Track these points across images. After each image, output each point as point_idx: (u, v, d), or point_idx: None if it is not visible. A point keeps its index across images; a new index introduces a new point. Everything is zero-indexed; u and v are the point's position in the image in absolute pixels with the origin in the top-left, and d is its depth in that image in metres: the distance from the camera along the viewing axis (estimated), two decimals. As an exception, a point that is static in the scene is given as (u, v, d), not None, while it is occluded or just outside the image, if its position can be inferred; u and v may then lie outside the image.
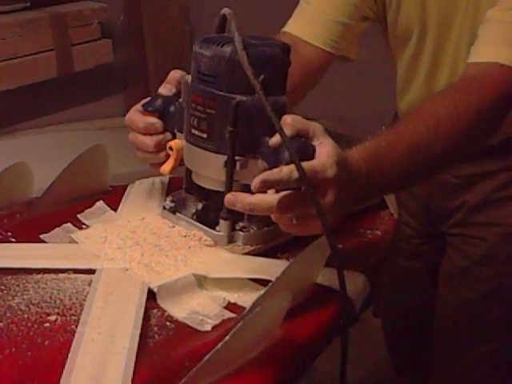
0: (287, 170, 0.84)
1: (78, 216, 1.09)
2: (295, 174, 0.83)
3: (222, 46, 0.93)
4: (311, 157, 0.86)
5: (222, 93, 0.93)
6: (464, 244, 1.44)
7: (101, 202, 1.13)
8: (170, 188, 1.17)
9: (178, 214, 1.05)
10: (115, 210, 1.11)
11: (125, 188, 1.19)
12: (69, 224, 1.06)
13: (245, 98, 0.92)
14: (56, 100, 2.40)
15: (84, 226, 1.06)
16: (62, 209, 1.11)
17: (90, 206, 1.12)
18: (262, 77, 0.89)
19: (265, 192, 0.86)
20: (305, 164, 0.83)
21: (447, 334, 1.53)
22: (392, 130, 1.00)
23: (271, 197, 0.85)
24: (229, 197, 0.87)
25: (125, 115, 1.07)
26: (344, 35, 1.31)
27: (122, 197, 1.15)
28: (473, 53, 1.11)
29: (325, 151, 0.86)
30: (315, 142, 0.88)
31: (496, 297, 1.43)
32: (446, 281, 1.50)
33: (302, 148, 0.86)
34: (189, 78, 1.00)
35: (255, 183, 0.84)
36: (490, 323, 1.45)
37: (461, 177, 1.38)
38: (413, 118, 1.03)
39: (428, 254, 1.57)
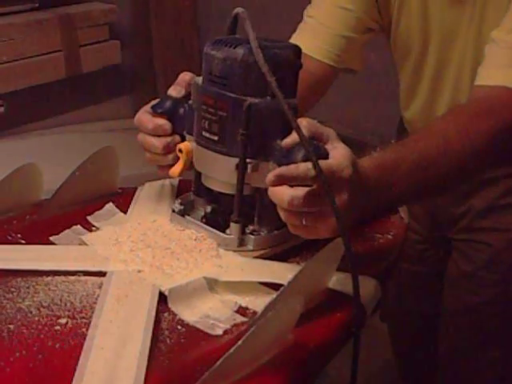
0: (304, 167, 0.83)
1: (88, 218, 1.08)
2: (312, 172, 0.82)
3: (234, 48, 0.92)
4: (325, 159, 0.86)
5: (234, 95, 0.93)
6: (469, 249, 1.44)
7: (110, 204, 1.13)
8: (180, 190, 1.16)
9: (186, 216, 1.04)
10: (125, 212, 1.11)
11: (134, 190, 1.18)
12: (78, 226, 1.06)
13: (257, 101, 0.92)
14: (63, 101, 2.40)
15: (94, 228, 1.06)
16: (71, 211, 1.11)
17: (100, 208, 1.11)
18: (274, 78, 0.88)
19: None
20: (322, 162, 0.83)
21: (452, 340, 1.53)
22: (401, 145, 1.00)
23: (287, 189, 0.84)
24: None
25: (132, 117, 1.07)
26: (347, 48, 1.32)
27: (132, 199, 1.15)
28: (481, 75, 1.11)
29: (340, 153, 0.87)
30: (329, 146, 0.88)
31: (501, 302, 1.43)
32: (450, 286, 1.50)
33: (316, 150, 0.85)
34: (199, 79, 0.99)
35: (270, 177, 0.84)
36: (495, 329, 1.45)
37: (467, 182, 1.38)
38: (423, 135, 1.03)
39: (433, 259, 1.57)
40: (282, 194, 0.85)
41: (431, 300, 1.58)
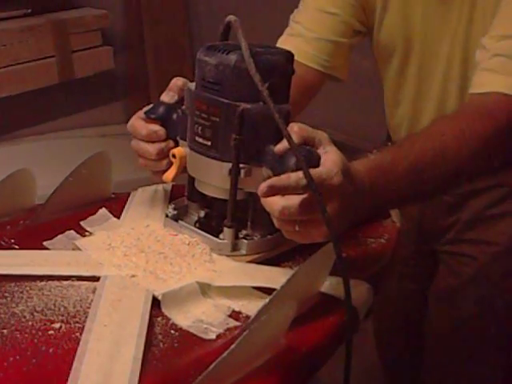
0: (295, 177, 0.84)
1: (81, 223, 1.09)
2: (303, 181, 0.83)
3: (227, 54, 0.93)
4: (316, 165, 0.86)
5: (226, 100, 0.93)
6: (455, 263, 1.44)
7: (104, 209, 1.13)
8: (173, 195, 1.16)
9: (180, 221, 1.05)
10: (118, 217, 1.11)
11: (127, 195, 1.19)
12: (72, 231, 1.06)
13: (250, 106, 0.92)
14: (56, 106, 2.40)
15: (87, 233, 1.06)
16: (64, 216, 1.11)
17: (93, 214, 1.11)
18: (266, 84, 0.89)
19: None
20: (312, 171, 0.83)
21: (438, 355, 1.52)
22: (398, 147, 1.01)
23: (278, 199, 0.85)
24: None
25: (125, 122, 1.07)
26: (335, 53, 1.32)
27: (125, 204, 1.15)
28: (476, 82, 1.11)
29: (330, 159, 0.87)
30: (321, 151, 0.88)
31: (488, 317, 1.42)
32: (436, 301, 1.49)
33: (308, 156, 0.86)
34: (192, 85, 1.00)
35: (262, 188, 0.85)
36: (481, 343, 1.44)
37: (454, 194, 1.38)
38: (419, 137, 1.04)
39: (421, 275, 1.56)
40: (273, 204, 0.85)
41: (416, 315, 1.57)
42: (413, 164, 0.98)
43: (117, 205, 1.15)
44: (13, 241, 1.03)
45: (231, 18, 0.95)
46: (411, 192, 1.00)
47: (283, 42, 1.31)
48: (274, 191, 0.85)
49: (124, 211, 1.12)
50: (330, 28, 1.30)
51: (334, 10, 1.30)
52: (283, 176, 0.86)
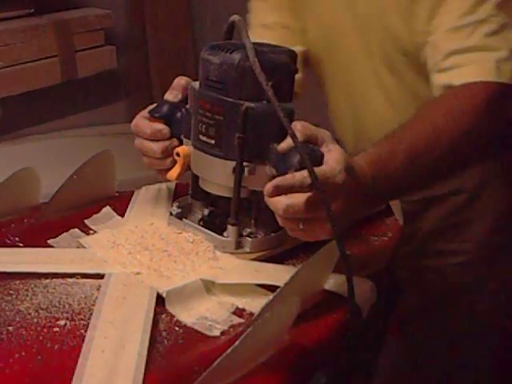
0: (300, 176, 0.84)
1: (85, 221, 1.09)
2: (308, 180, 0.83)
3: (230, 53, 0.93)
4: (320, 163, 0.87)
5: (230, 99, 0.94)
6: (418, 280, 1.39)
7: (107, 207, 1.13)
8: (176, 194, 1.17)
9: (184, 219, 1.05)
10: (122, 215, 1.12)
11: (131, 194, 1.19)
12: (76, 229, 1.07)
13: (253, 105, 0.93)
14: (59, 106, 2.40)
15: (91, 232, 1.07)
16: (69, 214, 1.11)
17: (97, 212, 1.12)
18: (270, 83, 0.89)
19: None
20: (315, 170, 0.84)
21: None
22: (392, 137, 1.00)
23: (282, 198, 0.85)
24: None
25: (128, 121, 1.07)
26: None
27: (129, 202, 1.16)
28: (439, 83, 1.11)
29: (333, 157, 0.87)
30: (324, 149, 0.89)
31: (465, 332, 1.39)
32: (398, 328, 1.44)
33: (311, 154, 0.86)
34: (195, 84, 1.01)
35: (268, 188, 0.85)
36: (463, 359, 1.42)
37: (411, 202, 1.34)
38: (410, 123, 1.03)
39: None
40: (278, 203, 0.86)
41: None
42: (410, 151, 0.97)
43: (120, 203, 1.15)
44: (17, 239, 1.04)
45: (235, 17, 0.95)
46: (412, 179, 1.00)
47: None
48: (279, 191, 0.85)
49: (128, 209, 1.13)
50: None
51: (271, 19, 1.31)
52: (288, 176, 0.86)
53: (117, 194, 1.20)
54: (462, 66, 1.08)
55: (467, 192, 1.33)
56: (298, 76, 1.12)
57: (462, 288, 1.37)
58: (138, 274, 0.92)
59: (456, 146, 1.02)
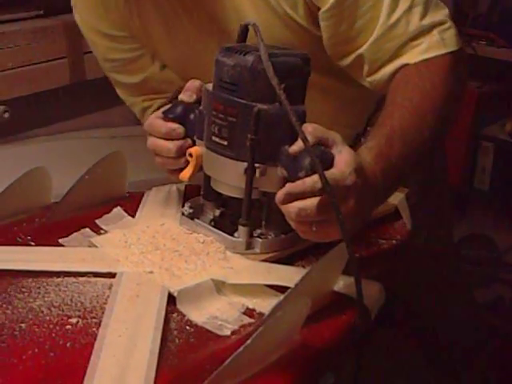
0: (310, 182, 0.86)
1: (96, 221, 1.10)
2: (318, 185, 0.84)
3: (244, 55, 0.94)
4: (330, 165, 0.88)
5: (243, 101, 0.94)
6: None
7: (118, 207, 1.14)
8: (186, 195, 1.18)
9: (196, 220, 1.06)
10: (132, 216, 1.12)
11: (142, 195, 1.20)
12: (87, 229, 1.07)
13: (266, 107, 0.93)
14: (67, 107, 2.40)
15: (102, 231, 1.07)
16: (80, 214, 1.12)
17: (108, 212, 1.13)
18: (283, 86, 0.90)
19: None
20: (326, 173, 0.85)
21: None
22: (381, 126, 1.02)
23: (295, 202, 0.86)
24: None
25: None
26: None
27: (139, 203, 1.16)
28: (396, 64, 1.11)
29: (343, 159, 0.88)
30: (334, 151, 0.89)
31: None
32: None
33: (322, 156, 0.87)
34: (209, 86, 1.01)
35: (279, 196, 0.87)
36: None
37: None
38: (393, 108, 1.04)
39: None
40: (290, 207, 0.87)
41: None
42: (402, 137, 0.99)
43: (131, 204, 1.16)
44: (29, 238, 1.05)
45: (249, 21, 0.96)
46: (409, 164, 1.01)
47: None
48: (291, 198, 0.87)
49: (139, 210, 1.14)
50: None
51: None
52: (298, 182, 0.87)
53: (127, 195, 1.21)
54: (413, 49, 1.10)
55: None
56: None
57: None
58: (150, 272, 0.93)
59: (439, 120, 1.05)
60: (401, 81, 1.09)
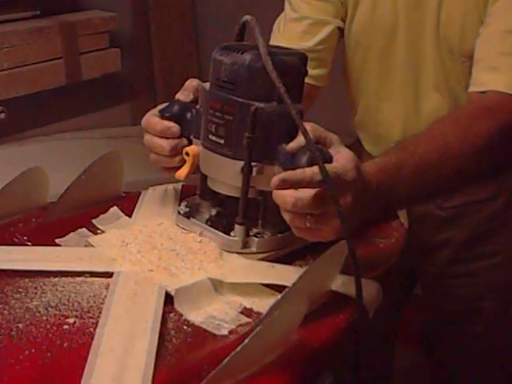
0: (310, 172, 0.85)
1: (93, 221, 1.10)
2: (318, 176, 0.84)
3: (241, 54, 0.94)
4: (329, 163, 0.87)
5: (240, 99, 0.94)
6: (447, 286, 1.40)
7: (115, 207, 1.14)
8: (182, 195, 1.17)
9: (192, 219, 1.06)
10: (129, 215, 1.12)
11: (138, 194, 1.20)
12: (84, 229, 1.07)
13: (263, 105, 0.93)
14: (64, 108, 2.41)
15: (99, 231, 1.07)
16: (76, 214, 1.12)
17: (105, 212, 1.13)
18: (282, 84, 0.89)
19: None
20: (327, 166, 0.84)
21: None
22: (402, 149, 1.01)
23: (291, 191, 0.85)
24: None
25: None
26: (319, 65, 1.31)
27: (136, 203, 1.16)
28: (477, 80, 1.11)
29: (344, 156, 0.88)
30: (332, 151, 0.89)
31: (496, 338, 1.40)
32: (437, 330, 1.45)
33: (321, 154, 0.87)
34: (206, 85, 1.01)
35: (274, 180, 0.85)
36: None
37: (447, 208, 1.35)
38: (423, 138, 1.03)
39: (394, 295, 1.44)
40: (286, 196, 0.86)
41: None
42: (417, 165, 0.98)
43: (127, 204, 1.16)
44: (25, 238, 1.05)
45: (247, 17, 0.96)
46: (416, 193, 1.01)
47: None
48: (286, 185, 0.85)
49: (135, 210, 1.13)
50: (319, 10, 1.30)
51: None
52: (297, 170, 0.86)
53: (124, 195, 1.20)
54: (500, 69, 1.08)
55: (504, 196, 1.34)
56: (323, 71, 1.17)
57: (493, 289, 1.38)
58: (148, 271, 0.93)
59: (465, 167, 1.03)
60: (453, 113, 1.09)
